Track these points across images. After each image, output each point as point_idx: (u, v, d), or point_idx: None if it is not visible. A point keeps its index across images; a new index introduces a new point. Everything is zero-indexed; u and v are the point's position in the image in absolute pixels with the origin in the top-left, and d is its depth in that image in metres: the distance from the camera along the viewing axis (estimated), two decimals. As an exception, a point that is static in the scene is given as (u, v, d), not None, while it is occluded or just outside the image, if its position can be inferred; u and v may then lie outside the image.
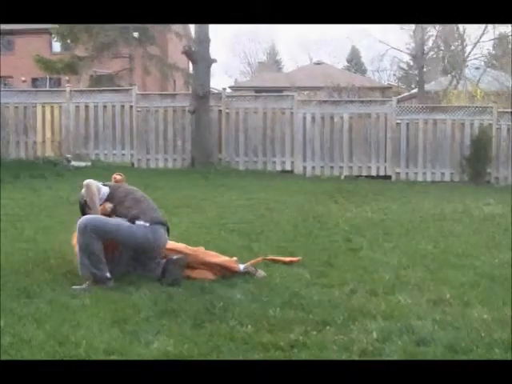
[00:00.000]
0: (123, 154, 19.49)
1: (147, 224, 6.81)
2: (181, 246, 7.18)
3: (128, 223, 6.79)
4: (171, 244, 7.14)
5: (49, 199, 12.63)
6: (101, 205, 6.94)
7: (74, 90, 20.26)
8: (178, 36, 29.64)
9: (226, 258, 7.03)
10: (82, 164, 18.29)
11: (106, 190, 7.08)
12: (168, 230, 7.06)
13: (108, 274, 6.59)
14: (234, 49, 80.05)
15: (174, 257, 6.74)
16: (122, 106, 19.37)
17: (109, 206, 6.93)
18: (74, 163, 18.30)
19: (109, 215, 6.91)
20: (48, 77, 34.76)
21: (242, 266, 6.95)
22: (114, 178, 7.50)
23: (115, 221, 6.83)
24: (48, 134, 19.59)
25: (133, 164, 19.31)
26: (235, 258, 7.08)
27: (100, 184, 7.14)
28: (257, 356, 4.62)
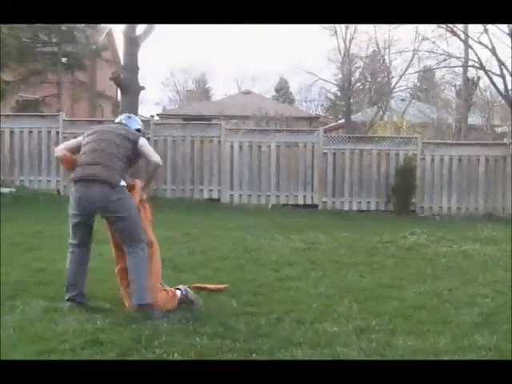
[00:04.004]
0: (49, 181, 19.11)
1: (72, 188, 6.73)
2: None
3: None
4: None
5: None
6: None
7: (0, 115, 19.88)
8: (107, 62, 29.48)
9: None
10: (7, 190, 17.95)
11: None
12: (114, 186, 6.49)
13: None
14: (164, 78, 79.61)
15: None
16: (49, 132, 19.01)
17: None
18: (-3, 189, 17.96)
19: None
20: (-28, 101, 34.06)
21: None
22: None
23: None
24: (-28, 159, 19.17)
25: (58, 191, 18.96)
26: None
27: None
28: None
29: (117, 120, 7.32)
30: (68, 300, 6.67)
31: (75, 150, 6.85)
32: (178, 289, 6.94)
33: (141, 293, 6.44)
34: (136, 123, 7.25)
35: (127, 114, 7.51)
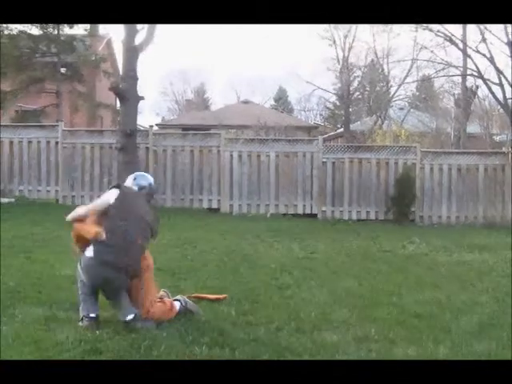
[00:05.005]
0: (48, 191, 19.15)
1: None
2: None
3: None
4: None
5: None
6: None
7: (-1, 125, 19.89)
8: (106, 74, 29.52)
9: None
10: (6, 200, 17.97)
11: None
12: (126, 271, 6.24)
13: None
14: (163, 88, 79.61)
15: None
16: (48, 142, 19.06)
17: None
18: (-3, 199, 17.98)
19: None
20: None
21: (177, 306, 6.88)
22: None
23: None
24: (-29, 170, 19.17)
25: (57, 200, 19.01)
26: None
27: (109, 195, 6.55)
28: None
29: (133, 183, 6.95)
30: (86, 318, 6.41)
31: (101, 212, 6.44)
32: (176, 300, 6.90)
33: (127, 308, 6.36)
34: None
35: (151, 181, 7.21)
